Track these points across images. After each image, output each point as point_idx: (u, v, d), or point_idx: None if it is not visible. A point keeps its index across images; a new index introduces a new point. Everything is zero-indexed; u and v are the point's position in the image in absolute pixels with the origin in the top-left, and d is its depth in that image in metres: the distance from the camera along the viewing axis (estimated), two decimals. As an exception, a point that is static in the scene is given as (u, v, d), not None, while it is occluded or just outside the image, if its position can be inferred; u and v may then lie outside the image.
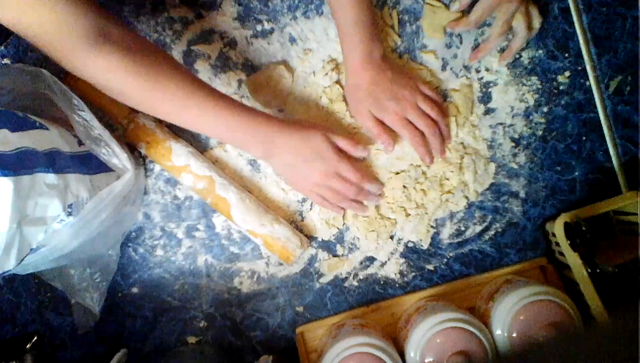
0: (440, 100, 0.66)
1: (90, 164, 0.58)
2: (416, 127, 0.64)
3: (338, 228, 0.69)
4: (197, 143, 0.69)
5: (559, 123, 0.69)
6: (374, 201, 0.67)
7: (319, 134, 0.61)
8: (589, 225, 0.61)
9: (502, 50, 0.67)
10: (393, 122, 0.63)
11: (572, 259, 0.61)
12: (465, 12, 0.66)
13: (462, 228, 0.69)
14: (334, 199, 0.64)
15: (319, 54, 0.68)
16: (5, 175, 0.45)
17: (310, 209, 0.69)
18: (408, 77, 0.64)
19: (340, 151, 0.62)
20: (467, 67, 0.68)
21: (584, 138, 0.69)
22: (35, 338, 0.59)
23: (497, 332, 0.59)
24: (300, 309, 0.69)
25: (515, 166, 0.69)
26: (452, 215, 0.69)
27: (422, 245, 0.69)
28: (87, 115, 0.57)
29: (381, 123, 0.64)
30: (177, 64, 0.56)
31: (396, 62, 0.67)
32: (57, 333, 0.69)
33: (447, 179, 0.68)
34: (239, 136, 0.58)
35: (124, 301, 0.69)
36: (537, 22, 0.65)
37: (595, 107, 0.69)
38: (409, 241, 0.69)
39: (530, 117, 0.69)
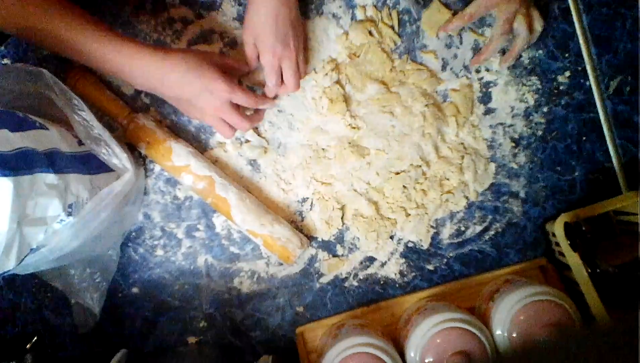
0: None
1: (90, 164, 0.58)
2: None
3: (338, 228, 0.69)
4: (197, 143, 0.69)
5: (559, 123, 0.69)
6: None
7: (205, 64, 0.58)
8: (589, 225, 0.61)
9: (504, 52, 0.67)
10: (267, 61, 0.61)
11: (572, 259, 0.61)
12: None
13: (462, 228, 0.69)
14: (233, 126, 0.63)
15: (319, 54, 0.68)
16: (5, 175, 0.45)
17: (310, 209, 0.69)
18: (303, 39, 0.64)
19: (232, 80, 0.60)
20: (467, 67, 0.68)
21: (584, 138, 0.69)
22: (35, 338, 0.59)
23: (497, 332, 0.60)
24: (300, 309, 0.69)
25: (515, 166, 0.69)
26: (452, 215, 0.69)
27: (422, 245, 0.69)
28: (87, 115, 0.56)
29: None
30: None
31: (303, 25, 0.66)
32: (57, 333, 0.69)
33: (447, 179, 0.68)
34: (123, 68, 0.56)
35: (124, 301, 0.69)
36: (538, 25, 0.64)
37: (595, 107, 0.69)
38: (409, 241, 0.69)
39: (530, 117, 0.69)
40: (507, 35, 0.64)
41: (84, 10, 0.56)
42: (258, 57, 0.63)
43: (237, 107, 0.62)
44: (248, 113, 0.66)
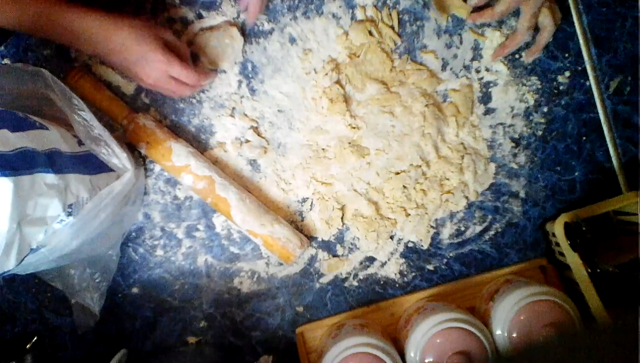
0: None
1: (90, 164, 0.58)
2: None
3: (338, 228, 0.69)
4: (197, 143, 0.69)
5: (559, 123, 0.69)
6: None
7: (148, 34, 0.59)
8: (589, 225, 0.61)
9: (527, 45, 0.66)
10: None
11: (572, 259, 0.61)
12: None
13: (462, 228, 0.69)
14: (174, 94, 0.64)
15: (319, 54, 0.68)
16: (5, 175, 0.45)
17: (310, 209, 0.69)
18: None
19: (170, 53, 0.60)
20: (467, 67, 0.68)
21: (584, 138, 0.69)
22: (35, 338, 0.59)
23: (497, 332, 0.60)
24: (300, 309, 0.69)
25: (515, 166, 0.69)
26: (452, 215, 0.69)
27: (422, 245, 0.69)
28: (87, 115, 0.57)
29: None
30: None
31: None
32: (57, 333, 0.69)
33: (447, 179, 0.68)
34: (69, 32, 0.56)
35: (124, 301, 0.69)
36: (558, 18, 0.64)
37: (595, 107, 0.69)
38: (409, 241, 0.69)
39: (530, 117, 0.69)
40: (533, 29, 0.63)
41: None
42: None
43: (176, 79, 0.61)
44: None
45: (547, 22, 0.63)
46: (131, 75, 0.62)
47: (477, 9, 0.65)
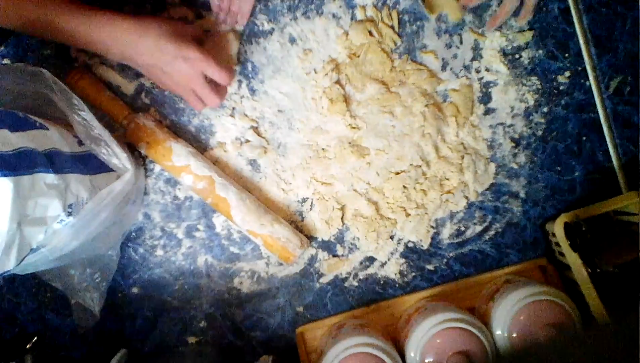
0: None
1: (90, 164, 0.58)
2: None
3: (338, 228, 0.69)
4: (197, 143, 0.69)
5: (559, 123, 0.69)
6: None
7: (179, 31, 0.58)
8: (589, 225, 0.61)
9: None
10: None
11: (572, 259, 0.61)
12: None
13: (462, 228, 0.69)
14: (204, 100, 0.62)
15: (319, 54, 0.68)
16: (5, 175, 0.45)
17: (310, 209, 0.69)
18: None
19: (207, 51, 0.59)
20: (467, 67, 0.68)
21: (584, 138, 0.69)
22: (35, 338, 0.59)
23: (497, 332, 0.60)
24: (300, 309, 0.69)
25: (515, 166, 0.69)
26: (452, 215, 0.69)
27: (422, 245, 0.69)
28: (87, 115, 0.56)
29: None
30: None
31: None
32: (57, 333, 0.69)
33: (447, 179, 0.68)
34: (96, 38, 0.55)
35: (124, 301, 0.69)
36: None
37: (595, 107, 0.69)
38: (409, 241, 0.69)
39: (530, 117, 0.69)
40: None
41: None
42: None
43: (210, 81, 0.61)
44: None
45: None
46: (162, 76, 0.60)
47: (473, 9, 0.65)
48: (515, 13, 0.65)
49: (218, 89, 0.64)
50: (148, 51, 0.57)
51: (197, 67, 0.58)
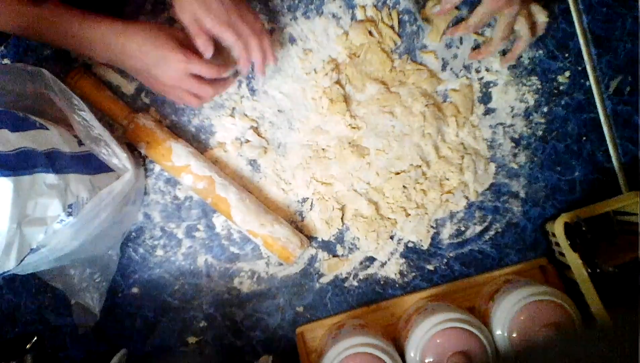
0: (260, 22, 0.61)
1: (90, 164, 0.58)
2: (238, 33, 0.59)
3: (338, 228, 0.69)
4: (197, 143, 0.69)
5: (559, 123, 0.69)
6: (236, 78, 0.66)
7: (163, 35, 0.58)
8: (589, 225, 0.61)
9: (504, 52, 0.67)
10: (213, 24, 0.58)
11: (572, 259, 0.61)
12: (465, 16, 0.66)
13: (462, 228, 0.69)
14: (195, 95, 0.62)
15: (319, 54, 0.68)
16: (5, 175, 0.45)
17: (310, 209, 0.69)
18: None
19: (188, 50, 0.59)
20: (467, 67, 0.68)
21: (584, 138, 0.69)
22: (35, 338, 0.59)
23: (497, 332, 0.60)
24: (300, 309, 0.69)
25: (515, 166, 0.69)
26: (452, 215, 0.69)
27: (422, 245, 0.69)
28: (87, 115, 0.57)
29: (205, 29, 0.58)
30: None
31: None
32: (57, 333, 0.69)
33: (447, 179, 0.68)
34: (84, 40, 0.56)
35: (124, 301, 0.69)
36: (543, 17, 0.63)
37: (595, 107, 0.69)
38: (409, 241, 0.69)
39: (530, 117, 0.69)
40: (508, 39, 0.64)
41: None
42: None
43: (197, 76, 0.60)
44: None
45: (523, 30, 0.62)
46: (150, 79, 0.61)
47: (454, 23, 0.66)
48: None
49: (215, 81, 0.63)
50: (133, 54, 0.58)
51: (180, 68, 0.59)
